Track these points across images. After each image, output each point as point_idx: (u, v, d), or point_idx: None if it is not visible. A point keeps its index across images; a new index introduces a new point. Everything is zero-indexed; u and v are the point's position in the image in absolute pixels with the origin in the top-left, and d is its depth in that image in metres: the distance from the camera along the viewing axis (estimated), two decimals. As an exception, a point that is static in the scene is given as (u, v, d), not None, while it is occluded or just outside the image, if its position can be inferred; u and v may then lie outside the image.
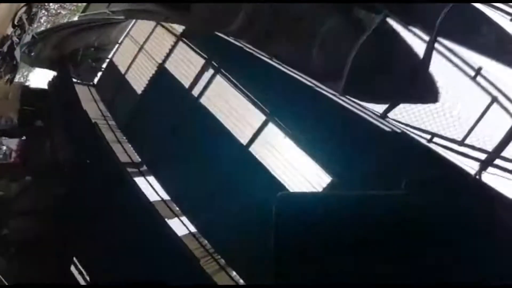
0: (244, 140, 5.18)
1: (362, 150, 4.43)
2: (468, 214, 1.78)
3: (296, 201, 2.13)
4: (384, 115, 4.57)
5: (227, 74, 5.42)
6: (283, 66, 4.75)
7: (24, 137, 6.74)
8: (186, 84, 5.84)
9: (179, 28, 5.87)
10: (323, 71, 4.17)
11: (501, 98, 3.95)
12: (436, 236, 1.71)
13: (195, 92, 5.74)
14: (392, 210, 1.82)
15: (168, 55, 5.99)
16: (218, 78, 5.48)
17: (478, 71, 3.93)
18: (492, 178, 3.78)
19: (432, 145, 4.26)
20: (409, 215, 1.78)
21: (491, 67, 3.96)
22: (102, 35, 6.77)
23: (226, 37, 4.97)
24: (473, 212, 1.79)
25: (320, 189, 4.55)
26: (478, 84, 3.99)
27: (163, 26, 6.08)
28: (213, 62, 5.58)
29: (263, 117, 5.00)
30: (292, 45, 4.23)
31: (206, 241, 5.64)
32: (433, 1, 3.68)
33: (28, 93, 7.25)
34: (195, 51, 5.68)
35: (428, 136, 4.42)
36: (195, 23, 4.99)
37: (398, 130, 4.36)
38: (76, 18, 6.86)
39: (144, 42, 6.41)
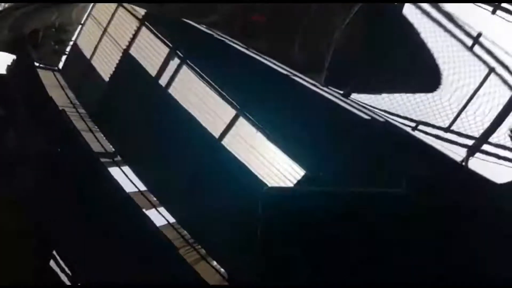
0: (215, 132, 5.01)
1: (339, 141, 4.27)
2: (471, 213, 1.75)
3: (282, 196, 2.07)
4: (365, 104, 4.36)
5: (194, 64, 5.06)
6: (260, 56, 4.45)
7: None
8: (153, 73, 5.51)
9: (141, 11, 5.41)
10: (304, 64, 3.92)
11: (498, 70, 3.77)
12: (437, 235, 1.70)
13: (163, 81, 5.43)
14: (393, 209, 1.82)
15: (132, 41, 5.57)
16: (185, 68, 5.16)
17: (476, 39, 3.70)
18: (480, 165, 3.68)
19: (418, 134, 4.10)
20: (410, 214, 1.77)
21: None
22: (62, 15, 6.19)
23: (196, 25, 4.61)
24: (476, 211, 1.77)
25: (294, 181, 4.43)
26: (476, 55, 3.78)
27: (124, 8, 5.59)
28: (178, 51, 5.20)
29: (234, 111, 4.78)
30: (273, 41, 3.97)
31: (185, 231, 5.58)
32: (432, 1, 3.44)
33: (-15, 81, 6.72)
34: (160, 38, 5.26)
35: (413, 124, 4.26)
36: (170, 10, 4.61)
37: (381, 119, 4.17)
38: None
39: (107, 25, 5.92)
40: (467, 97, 3.87)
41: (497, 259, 1.61)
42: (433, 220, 1.75)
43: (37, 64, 6.79)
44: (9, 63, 6.87)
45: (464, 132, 3.96)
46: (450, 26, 3.82)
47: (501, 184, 3.06)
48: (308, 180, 4.29)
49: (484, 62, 3.77)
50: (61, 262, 5.71)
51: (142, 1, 4.72)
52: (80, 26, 6.47)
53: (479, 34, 3.67)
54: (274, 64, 4.51)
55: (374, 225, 1.81)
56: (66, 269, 5.66)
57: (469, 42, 3.79)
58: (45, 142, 6.34)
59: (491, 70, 3.70)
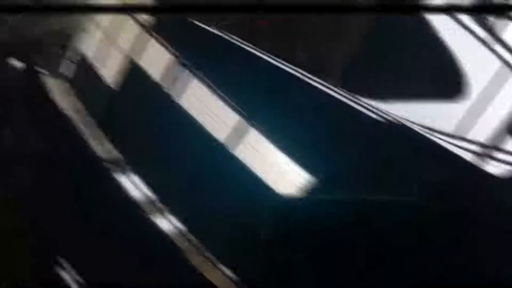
0: (221, 137, 4.96)
1: (348, 144, 4.21)
2: (483, 218, 1.75)
3: (289, 201, 2.05)
4: (373, 108, 4.31)
5: (199, 67, 5.04)
6: (266, 55, 4.42)
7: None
8: (157, 77, 5.47)
9: (145, 16, 5.43)
10: (308, 66, 3.92)
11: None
12: (447, 241, 1.70)
13: (167, 86, 5.39)
14: (403, 216, 1.81)
15: (135, 45, 5.54)
16: (190, 72, 5.14)
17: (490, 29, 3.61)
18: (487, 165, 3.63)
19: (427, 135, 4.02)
20: (420, 220, 1.76)
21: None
22: (63, 19, 6.19)
23: (201, 25, 4.60)
24: (478, 210, 1.77)
25: (301, 187, 4.38)
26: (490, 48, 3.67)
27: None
28: (183, 54, 5.17)
29: (239, 115, 4.72)
30: (276, 41, 3.98)
31: (191, 236, 5.57)
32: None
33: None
34: (164, 45, 5.23)
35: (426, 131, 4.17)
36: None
37: (393, 120, 4.08)
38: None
39: (110, 30, 5.93)
40: (476, 95, 3.80)
41: (497, 256, 1.60)
42: (443, 226, 1.74)
43: (40, 69, 6.79)
44: (10, 65, 6.85)
45: (473, 133, 3.90)
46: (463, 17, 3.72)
47: (501, 179, 3.03)
48: (315, 185, 4.26)
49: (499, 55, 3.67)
50: (59, 261, 5.69)
51: (145, 13, 4.72)
52: (83, 31, 6.49)
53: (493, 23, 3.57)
54: (280, 63, 4.46)
55: (383, 231, 1.81)
56: (65, 268, 5.65)
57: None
58: (42, 141, 6.33)
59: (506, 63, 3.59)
